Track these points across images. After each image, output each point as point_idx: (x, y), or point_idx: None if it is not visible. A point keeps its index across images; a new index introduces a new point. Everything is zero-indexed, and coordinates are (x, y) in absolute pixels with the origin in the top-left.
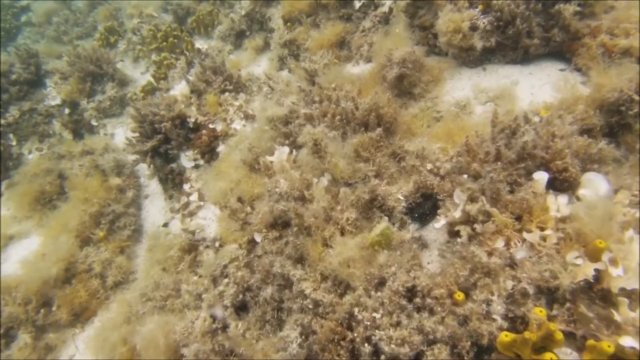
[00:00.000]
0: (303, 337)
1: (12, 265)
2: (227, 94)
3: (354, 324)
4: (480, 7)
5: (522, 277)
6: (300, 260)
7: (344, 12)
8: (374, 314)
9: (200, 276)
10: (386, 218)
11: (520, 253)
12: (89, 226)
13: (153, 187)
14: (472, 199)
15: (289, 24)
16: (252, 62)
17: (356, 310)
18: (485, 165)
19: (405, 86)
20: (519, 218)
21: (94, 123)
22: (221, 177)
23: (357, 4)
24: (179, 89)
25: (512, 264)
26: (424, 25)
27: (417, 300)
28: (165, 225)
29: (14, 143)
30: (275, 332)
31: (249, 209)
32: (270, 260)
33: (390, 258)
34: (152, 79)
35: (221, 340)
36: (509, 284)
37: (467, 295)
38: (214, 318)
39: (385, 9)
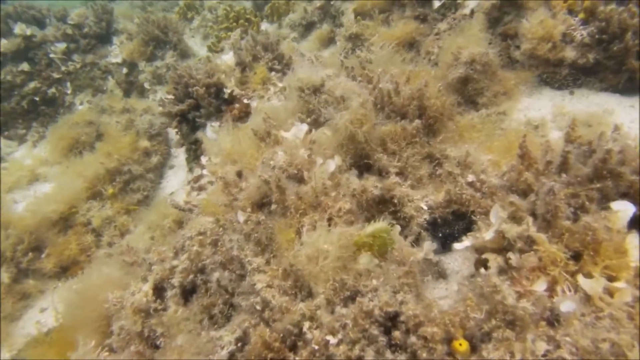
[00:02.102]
0: (239, 344)
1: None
2: (273, 73)
3: (299, 343)
4: (581, 15)
5: (563, 342)
6: (268, 247)
7: (420, 12)
8: (329, 337)
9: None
10: (398, 227)
11: (567, 305)
12: (102, 180)
13: (181, 158)
14: (513, 218)
15: (358, 17)
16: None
17: (306, 325)
18: (543, 177)
19: (469, 92)
20: (577, 256)
21: (146, 86)
22: (230, 149)
23: (436, 4)
24: (226, 59)
25: (552, 319)
26: (507, 34)
27: (397, 334)
28: (171, 195)
29: (69, 91)
30: (215, 330)
31: (244, 184)
32: (230, 239)
33: (374, 267)
34: (208, 51)
35: (154, 324)
36: (541, 346)
37: (473, 348)
38: (158, 295)
39: (466, 11)
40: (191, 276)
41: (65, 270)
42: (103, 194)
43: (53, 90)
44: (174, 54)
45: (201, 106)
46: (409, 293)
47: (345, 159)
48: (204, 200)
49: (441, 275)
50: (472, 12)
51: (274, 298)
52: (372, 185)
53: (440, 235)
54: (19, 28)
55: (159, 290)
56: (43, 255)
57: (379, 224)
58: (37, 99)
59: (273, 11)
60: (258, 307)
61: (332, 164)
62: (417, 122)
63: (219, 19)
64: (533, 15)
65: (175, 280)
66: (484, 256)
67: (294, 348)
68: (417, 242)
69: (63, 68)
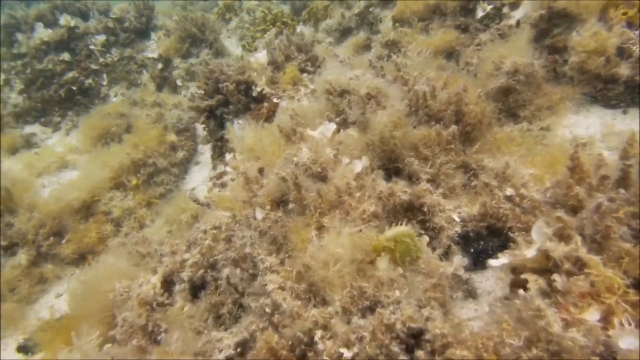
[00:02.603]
0: (239, 349)
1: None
2: (305, 74)
3: (309, 354)
4: None
5: None
6: (283, 246)
7: (461, 21)
8: (343, 350)
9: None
10: (426, 238)
11: (628, 341)
12: (127, 171)
13: (207, 155)
14: (560, 236)
15: (397, 24)
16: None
17: (318, 334)
18: (597, 193)
19: (510, 103)
20: (639, 284)
21: (178, 83)
22: (253, 144)
23: (480, 14)
24: (259, 57)
25: (607, 356)
26: (555, 47)
27: (420, 354)
28: (193, 190)
29: (105, 83)
30: (218, 331)
31: (265, 181)
32: (243, 235)
33: (398, 277)
34: (243, 51)
35: (159, 318)
36: None
37: None
38: (167, 288)
39: (511, 21)
40: (201, 271)
41: (83, 258)
42: (126, 185)
43: (90, 80)
44: (209, 52)
45: (230, 103)
46: (436, 309)
47: (373, 161)
48: (220, 195)
49: (471, 294)
50: (518, 23)
51: (285, 301)
52: (401, 189)
53: (472, 251)
54: (64, 19)
55: (168, 284)
56: (63, 241)
57: (402, 228)
58: (74, 88)
59: (310, 15)
60: (267, 310)
61: (359, 165)
62: (453, 127)
63: (256, 21)
64: (585, 27)
65: (185, 275)
66: (522, 276)
67: (303, 358)
68: (445, 256)
69: (101, 60)
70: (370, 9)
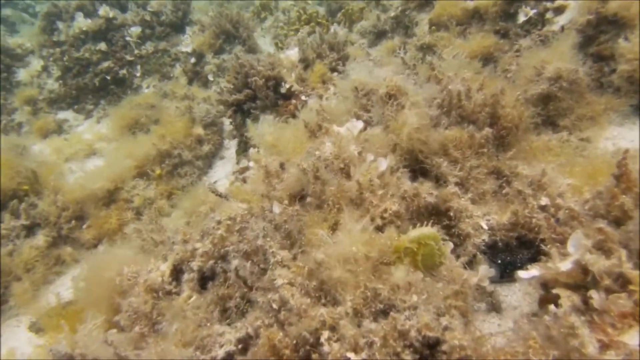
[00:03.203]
0: (241, 345)
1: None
2: (335, 73)
3: (314, 355)
4: None
5: None
6: (297, 241)
7: (501, 26)
8: (350, 355)
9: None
10: (451, 244)
11: None
12: (152, 161)
13: (232, 151)
14: (600, 250)
15: (433, 27)
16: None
17: (325, 335)
18: None
19: (549, 111)
20: None
21: (210, 78)
22: (275, 140)
23: (522, 18)
24: (290, 54)
25: None
26: (602, 54)
27: None
28: (214, 183)
29: (138, 74)
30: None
31: (286, 176)
32: (257, 228)
33: (417, 281)
34: (275, 48)
35: (163, 307)
36: None
37: None
38: (176, 277)
39: (555, 27)
40: (211, 262)
41: (101, 243)
42: (150, 175)
43: (124, 71)
44: (242, 49)
45: (258, 98)
46: (456, 318)
47: (399, 160)
48: (238, 186)
49: (495, 308)
50: (563, 28)
51: (293, 298)
52: (427, 191)
53: (500, 262)
54: (103, 10)
55: (177, 273)
56: (84, 226)
57: (427, 229)
58: (108, 78)
59: (345, 17)
60: (274, 306)
61: (384, 163)
62: (487, 130)
63: (291, 21)
64: (635, 33)
65: (195, 264)
66: (554, 291)
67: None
68: (470, 265)
69: (136, 51)
70: (407, 12)
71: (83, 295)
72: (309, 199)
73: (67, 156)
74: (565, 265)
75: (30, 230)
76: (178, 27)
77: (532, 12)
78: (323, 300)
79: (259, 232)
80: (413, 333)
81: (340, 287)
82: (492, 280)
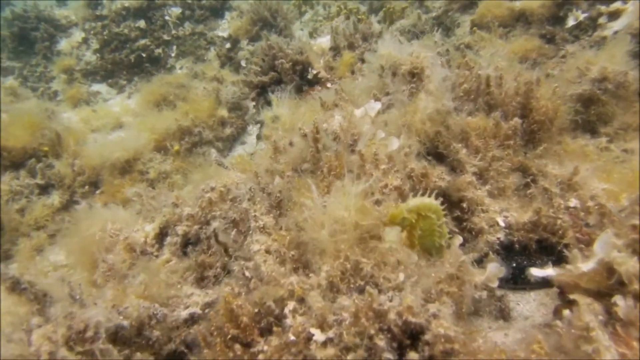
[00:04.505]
0: (208, 310)
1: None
2: (365, 64)
3: (275, 329)
4: None
5: None
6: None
7: (548, 30)
8: (314, 331)
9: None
10: (460, 238)
11: None
12: (172, 136)
13: (254, 137)
14: (634, 251)
15: (474, 28)
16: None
17: (290, 306)
18: None
19: (590, 116)
20: None
21: (242, 64)
22: (291, 116)
23: (571, 22)
24: (321, 42)
25: None
26: None
27: (413, 356)
28: (220, 164)
29: (173, 54)
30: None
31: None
32: (245, 189)
33: (407, 259)
34: (309, 37)
35: (140, 267)
36: None
37: None
38: (160, 240)
39: (607, 32)
40: (196, 227)
41: None
42: (168, 150)
43: (160, 50)
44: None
45: (283, 82)
46: (447, 307)
47: (413, 143)
48: (240, 156)
49: (503, 315)
50: (616, 34)
51: (265, 264)
52: (439, 175)
53: (515, 265)
54: None
55: (163, 236)
56: (97, 192)
57: (428, 199)
58: (144, 55)
59: (386, 15)
60: (247, 274)
61: (396, 142)
62: (515, 120)
63: (330, 15)
64: None
65: (180, 229)
66: (572, 297)
67: (267, 331)
68: (480, 264)
69: (173, 32)
70: (449, 13)
71: (69, 252)
72: (305, 165)
73: (94, 127)
74: (587, 265)
75: (44, 189)
76: (217, 11)
77: (583, 16)
78: (300, 272)
79: (245, 194)
80: (392, 316)
81: (319, 256)
82: (503, 283)
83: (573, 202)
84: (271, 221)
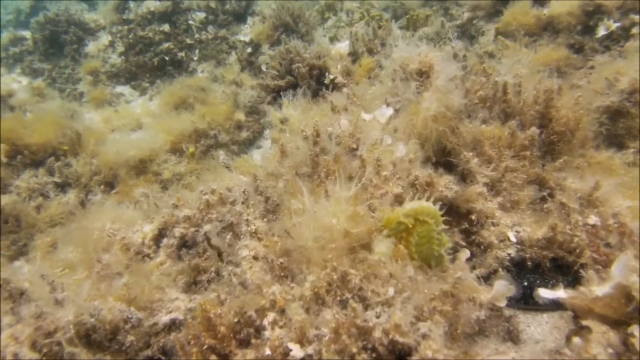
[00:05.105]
0: (190, 316)
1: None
2: (383, 70)
3: (253, 341)
4: None
5: None
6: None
7: (576, 40)
8: (292, 346)
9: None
10: (467, 252)
11: None
12: (188, 138)
13: (270, 140)
14: None
15: (499, 36)
16: None
17: (269, 317)
18: None
19: (618, 129)
20: None
21: (263, 68)
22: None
23: (602, 32)
24: (341, 47)
25: None
26: None
27: None
28: (228, 167)
29: (195, 58)
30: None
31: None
32: (239, 192)
33: (400, 271)
34: (329, 42)
35: (134, 269)
36: None
37: None
38: (158, 242)
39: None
40: (193, 229)
41: None
42: (184, 152)
43: (182, 54)
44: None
45: (299, 86)
46: (439, 327)
47: (421, 149)
48: (245, 158)
49: (511, 337)
50: None
51: (250, 270)
52: (446, 184)
53: (526, 284)
54: None
55: (161, 238)
56: (113, 191)
57: (425, 203)
58: (167, 58)
59: (409, 23)
60: (234, 280)
61: (402, 148)
62: (533, 130)
63: (353, 21)
64: None
65: (177, 230)
66: (584, 323)
67: (246, 344)
68: (488, 281)
69: (196, 36)
70: (474, 21)
71: (71, 249)
72: (304, 169)
73: (114, 127)
74: (603, 289)
75: (62, 188)
76: (240, 16)
77: (615, 26)
78: (288, 281)
79: (239, 197)
80: (378, 334)
81: (305, 264)
82: (513, 303)
83: (592, 220)
84: (264, 226)
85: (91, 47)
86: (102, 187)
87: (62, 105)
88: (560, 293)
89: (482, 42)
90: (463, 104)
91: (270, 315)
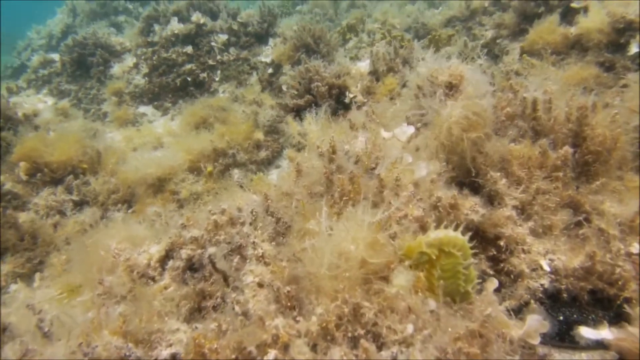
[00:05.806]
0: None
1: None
2: (405, 88)
3: None
4: None
5: None
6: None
7: (606, 58)
8: None
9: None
10: (495, 282)
11: None
12: (206, 158)
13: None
14: None
15: (524, 55)
16: None
17: (270, 355)
18: None
19: None
20: None
21: (284, 88)
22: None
23: (634, 50)
24: (360, 66)
25: None
26: None
27: None
28: (242, 186)
29: (217, 79)
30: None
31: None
32: (247, 212)
33: (420, 306)
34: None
35: (137, 293)
36: None
37: None
38: (165, 263)
39: None
40: (200, 251)
41: None
42: (202, 171)
43: (204, 75)
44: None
45: (318, 105)
46: None
47: (445, 168)
48: (259, 177)
49: None
50: None
51: (253, 299)
52: (471, 207)
53: (562, 318)
54: (195, 16)
55: (168, 260)
56: (130, 210)
57: (453, 232)
58: (189, 79)
59: (432, 42)
60: (236, 309)
61: (424, 168)
62: (566, 149)
63: (374, 42)
64: None
65: (184, 252)
66: None
67: None
68: (518, 314)
69: (218, 57)
70: (498, 41)
71: (77, 269)
72: (319, 188)
73: (136, 145)
74: None
75: (79, 206)
76: (262, 38)
77: None
78: (295, 313)
79: (247, 218)
80: None
81: (314, 294)
82: (547, 339)
83: (636, 248)
84: (272, 249)
85: (116, 68)
86: (119, 205)
87: (84, 124)
88: (605, 333)
89: (507, 61)
90: (492, 111)
91: (272, 353)
